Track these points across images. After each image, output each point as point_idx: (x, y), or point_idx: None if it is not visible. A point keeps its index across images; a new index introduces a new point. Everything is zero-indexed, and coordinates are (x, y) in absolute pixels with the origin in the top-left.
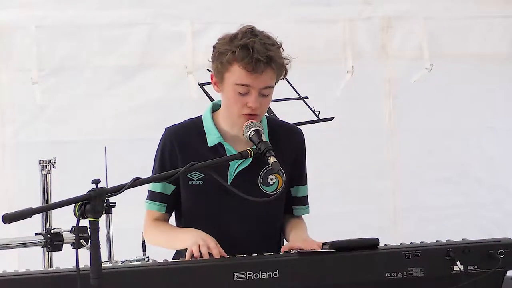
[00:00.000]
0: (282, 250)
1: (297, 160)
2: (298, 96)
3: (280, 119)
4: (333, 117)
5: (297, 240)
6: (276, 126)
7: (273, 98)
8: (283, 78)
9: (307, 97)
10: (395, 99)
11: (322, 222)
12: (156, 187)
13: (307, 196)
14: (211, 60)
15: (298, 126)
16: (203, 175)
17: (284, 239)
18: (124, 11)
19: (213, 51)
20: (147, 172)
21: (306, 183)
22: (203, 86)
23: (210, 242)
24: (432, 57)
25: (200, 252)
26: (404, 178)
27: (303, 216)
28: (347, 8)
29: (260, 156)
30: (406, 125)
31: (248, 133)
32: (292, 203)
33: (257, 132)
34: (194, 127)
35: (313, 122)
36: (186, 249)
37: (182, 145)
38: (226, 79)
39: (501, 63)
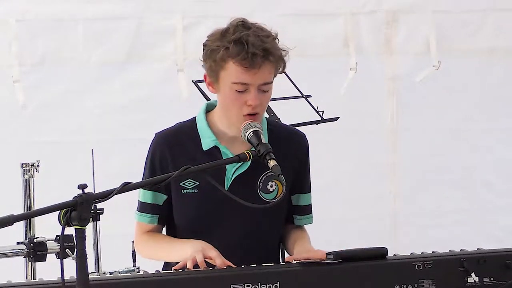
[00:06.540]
0: (286, 260)
1: (300, 166)
2: (301, 95)
3: (281, 119)
4: (338, 117)
5: (302, 252)
6: (277, 129)
7: (273, 97)
8: (281, 72)
9: (310, 96)
10: (399, 98)
11: (320, 228)
12: (147, 197)
13: (310, 204)
14: (202, 59)
15: (301, 130)
16: (197, 183)
17: (285, 251)
18: (110, 4)
19: (203, 49)
20: (135, 174)
21: (309, 191)
22: (198, 83)
23: (212, 253)
24: (440, 53)
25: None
26: (407, 181)
27: (305, 226)
28: (350, 1)
29: (259, 159)
30: (410, 125)
31: (247, 134)
32: (293, 212)
33: (256, 133)
34: (186, 130)
35: (316, 122)
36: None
37: (174, 152)
38: (222, 78)
39: None
